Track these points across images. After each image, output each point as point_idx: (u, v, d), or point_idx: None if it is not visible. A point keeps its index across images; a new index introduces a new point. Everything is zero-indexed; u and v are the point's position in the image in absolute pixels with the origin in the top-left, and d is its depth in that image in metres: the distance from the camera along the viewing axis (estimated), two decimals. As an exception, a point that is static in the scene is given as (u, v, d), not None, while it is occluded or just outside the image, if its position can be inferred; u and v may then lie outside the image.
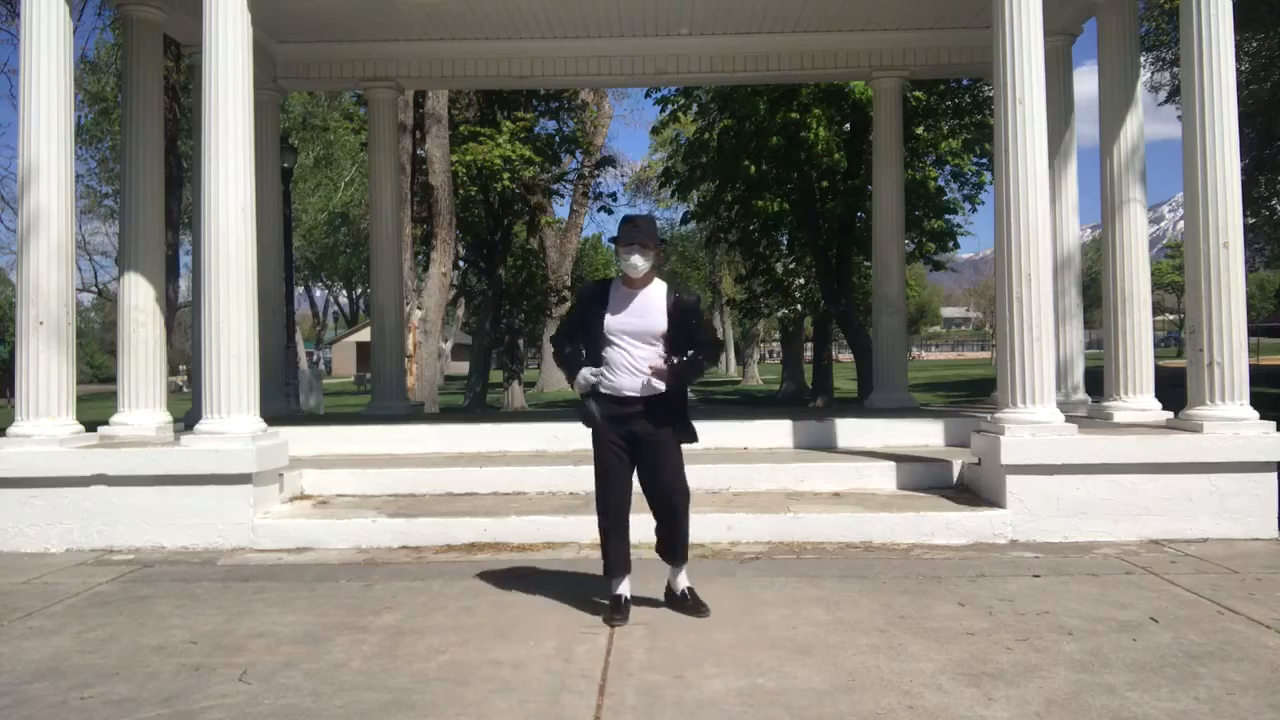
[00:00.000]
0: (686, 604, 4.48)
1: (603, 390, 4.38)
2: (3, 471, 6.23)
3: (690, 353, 4.38)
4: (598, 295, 4.44)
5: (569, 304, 27.86)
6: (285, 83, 9.94)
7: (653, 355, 4.32)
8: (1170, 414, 7.14)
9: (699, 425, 4.57)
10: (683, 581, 4.57)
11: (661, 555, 4.59)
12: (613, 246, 4.54)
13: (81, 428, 6.70)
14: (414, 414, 10.27)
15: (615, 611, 4.37)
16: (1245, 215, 7.42)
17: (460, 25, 9.18)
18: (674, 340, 4.35)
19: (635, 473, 4.46)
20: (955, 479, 6.91)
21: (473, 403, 20.30)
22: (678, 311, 4.37)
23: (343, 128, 30.47)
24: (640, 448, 4.38)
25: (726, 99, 15.98)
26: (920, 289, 57.35)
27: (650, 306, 4.36)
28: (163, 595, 5.01)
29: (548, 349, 33.35)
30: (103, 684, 3.67)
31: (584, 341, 4.48)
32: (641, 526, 4.57)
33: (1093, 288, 17.04)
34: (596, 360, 4.39)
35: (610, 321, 4.34)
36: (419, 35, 9.45)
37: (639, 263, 4.30)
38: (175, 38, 9.01)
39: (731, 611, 4.47)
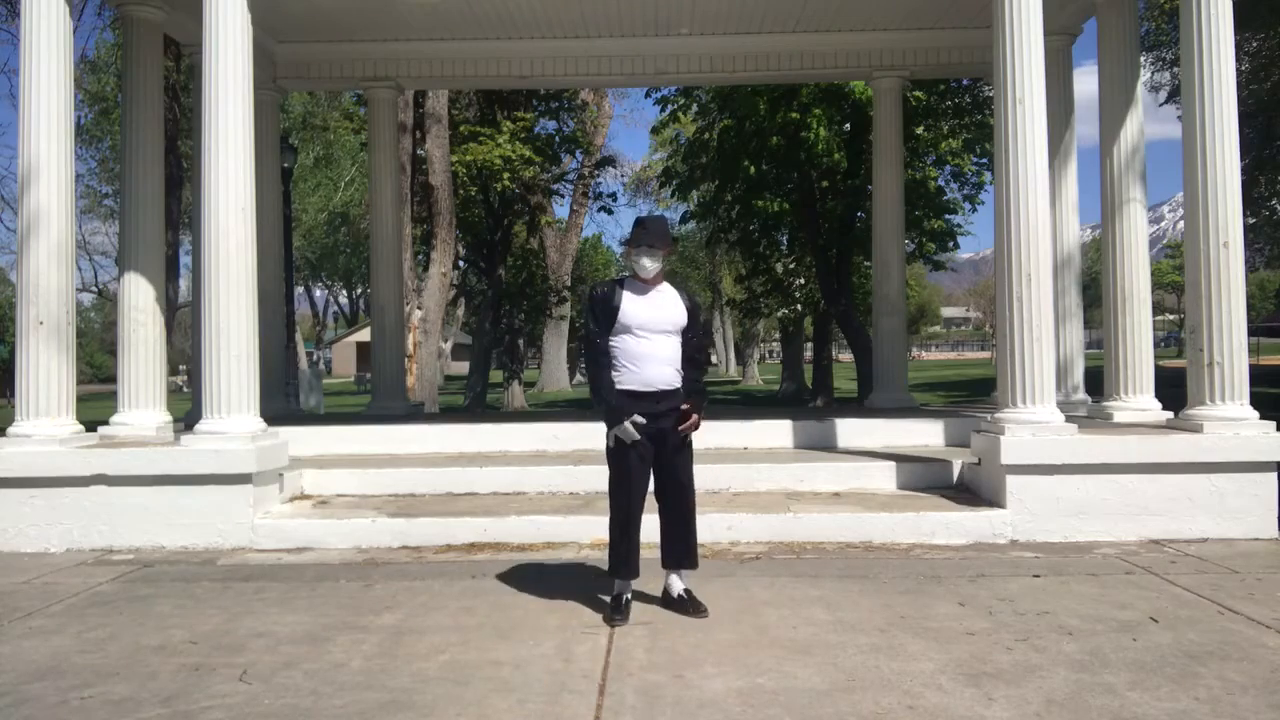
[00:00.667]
0: (685, 605, 4.48)
1: (629, 387, 4.39)
2: (3, 471, 6.24)
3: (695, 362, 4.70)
4: (615, 292, 4.50)
5: (568, 304, 27.89)
6: (285, 83, 9.94)
7: (673, 347, 4.46)
8: (1170, 414, 7.14)
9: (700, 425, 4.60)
10: (679, 584, 4.57)
11: (672, 563, 4.55)
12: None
13: (81, 428, 6.70)
14: (414, 414, 10.27)
15: (616, 611, 4.38)
16: (1245, 215, 7.41)
17: (460, 25, 9.19)
18: (685, 334, 4.57)
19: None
20: (955, 479, 6.91)
21: (473, 403, 20.28)
22: (691, 308, 4.60)
23: (343, 128, 30.43)
24: (663, 444, 4.43)
25: (726, 99, 15.97)
26: (920, 289, 57.36)
27: (670, 301, 4.53)
28: (163, 595, 5.01)
29: (548, 349, 33.37)
30: (103, 684, 3.67)
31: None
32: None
33: (1093, 288, 17.03)
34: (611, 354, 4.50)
35: (635, 314, 4.41)
36: (419, 35, 9.46)
37: (649, 264, 4.45)
38: (175, 38, 9.01)
39: (731, 611, 4.47)
